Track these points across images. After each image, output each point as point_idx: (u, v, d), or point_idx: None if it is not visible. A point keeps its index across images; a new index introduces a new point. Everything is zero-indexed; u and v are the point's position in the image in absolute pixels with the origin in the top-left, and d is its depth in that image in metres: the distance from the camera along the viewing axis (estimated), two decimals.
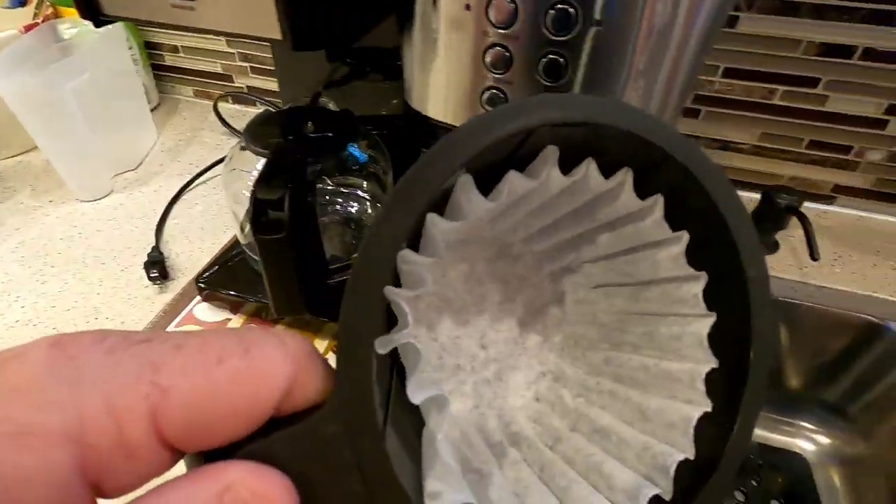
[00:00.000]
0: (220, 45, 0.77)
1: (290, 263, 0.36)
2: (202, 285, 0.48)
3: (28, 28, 0.61)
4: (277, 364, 0.11)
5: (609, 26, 0.22)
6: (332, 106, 0.50)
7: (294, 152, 0.39)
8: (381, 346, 0.11)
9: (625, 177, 0.13)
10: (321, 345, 0.46)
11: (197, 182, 0.65)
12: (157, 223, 0.58)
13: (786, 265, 0.57)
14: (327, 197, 0.51)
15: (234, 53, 0.77)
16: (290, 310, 0.39)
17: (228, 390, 0.10)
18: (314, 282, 0.39)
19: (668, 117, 0.27)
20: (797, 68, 0.57)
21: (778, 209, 0.54)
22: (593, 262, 0.16)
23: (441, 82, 0.28)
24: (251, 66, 0.78)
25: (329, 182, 0.50)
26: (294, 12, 0.27)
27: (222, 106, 0.77)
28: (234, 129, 0.75)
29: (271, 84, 0.78)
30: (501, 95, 0.26)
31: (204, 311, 0.49)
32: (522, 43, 0.24)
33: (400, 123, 0.56)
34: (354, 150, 0.46)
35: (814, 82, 0.57)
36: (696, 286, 0.14)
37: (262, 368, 0.11)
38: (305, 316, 0.44)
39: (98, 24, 0.32)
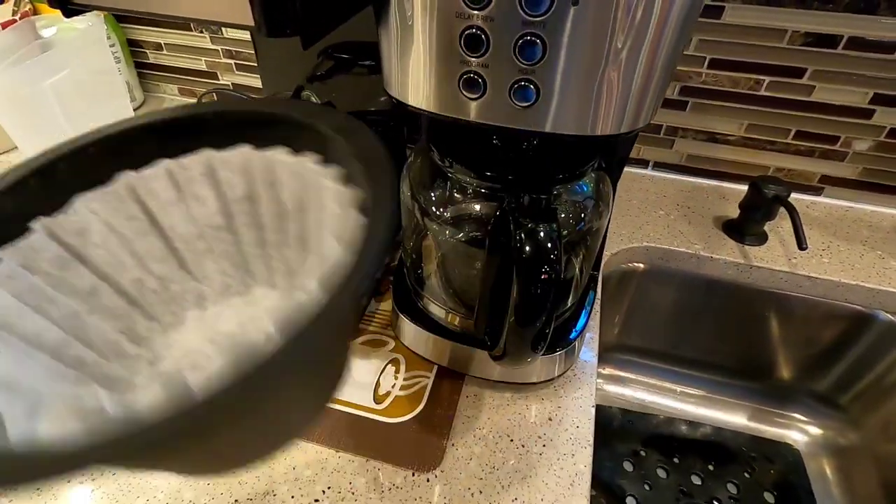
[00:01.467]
0: (205, 42, 0.76)
1: None
2: None
3: (6, 25, 0.60)
4: None
5: (586, 5, 0.22)
6: (314, 99, 0.50)
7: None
8: None
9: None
10: None
11: None
12: None
13: (775, 255, 0.57)
14: None
15: (218, 50, 0.76)
16: None
17: None
18: None
19: (650, 102, 0.26)
20: (783, 58, 0.56)
21: (766, 199, 0.54)
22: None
23: (418, 68, 0.27)
24: (236, 63, 0.77)
25: None
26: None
27: None
28: None
29: (256, 81, 0.78)
30: (479, 79, 0.25)
31: None
32: (498, 24, 0.23)
33: (385, 119, 0.56)
34: None
35: (799, 72, 0.57)
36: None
37: None
38: None
39: (68, 14, 0.31)
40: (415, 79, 0.28)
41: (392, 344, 0.46)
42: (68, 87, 0.58)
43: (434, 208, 0.37)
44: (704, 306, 0.62)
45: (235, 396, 0.13)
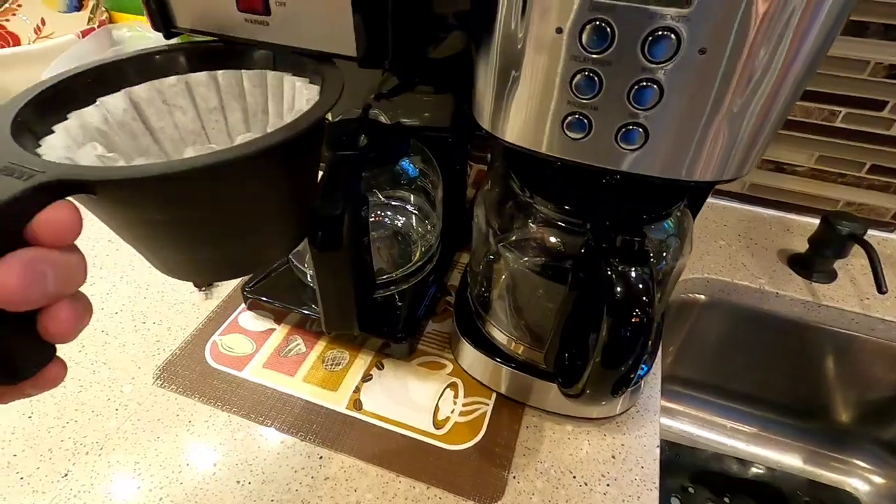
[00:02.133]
0: None
1: (346, 280, 0.35)
2: (247, 294, 0.48)
3: (86, 33, 0.62)
4: None
5: (714, 54, 0.21)
6: (382, 118, 0.50)
7: (350, 167, 0.38)
8: None
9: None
10: (365, 357, 0.46)
11: None
12: None
13: (845, 295, 0.54)
14: (375, 209, 0.51)
15: None
16: (342, 326, 0.39)
17: None
18: (364, 298, 0.39)
19: (758, 150, 0.25)
20: (862, 90, 0.54)
21: (839, 236, 0.52)
22: None
23: (519, 105, 0.27)
24: None
25: (379, 195, 0.49)
26: (372, 31, 0.27)
27: None
28: None
29: None
30: (584, 121, 0.25)
31: (248, 320, 0.49)
32: (614, 68, 0.23)
33: (448, 136, 0.56)
34: (407, 164, 0.46)
35: (880, 105, 0.55)
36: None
37: None
38: (354, 331, 0.43)
39: (168, 37, 0.32)
40: (513, 114, 0.27)
41: (450, 367, 0.45)
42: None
43: (509, 235, 0.37)
44: (762, 341, 0.60)
45: (214, 166, 0.18)
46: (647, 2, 0.21)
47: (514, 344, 0.41)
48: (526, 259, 0.36)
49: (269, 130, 0.24)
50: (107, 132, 0.26)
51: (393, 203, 0.51)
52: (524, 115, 0.27)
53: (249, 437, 0.40)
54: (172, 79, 0.28)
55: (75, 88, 0.25)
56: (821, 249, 0.55)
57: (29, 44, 0.74)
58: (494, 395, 0.43)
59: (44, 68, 0.53)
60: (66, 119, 0.24)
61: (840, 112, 0.56)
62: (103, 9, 0.70)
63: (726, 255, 0.59)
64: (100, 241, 0.57)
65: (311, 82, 0.28)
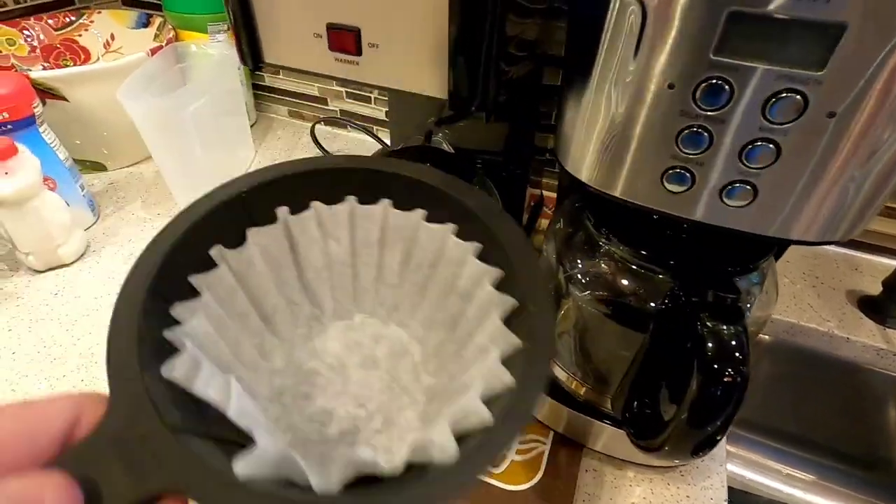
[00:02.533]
0: None
1: None
2: None
3: (154, 51, 0.64)
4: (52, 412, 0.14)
5: (841, 118, 0.20)
6: (445, 146, 0.50)
7: None
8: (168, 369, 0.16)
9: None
10: None
11: None
12: None
13: None
14: None
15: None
16: None
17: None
18: None
19: (870, 213, 0.24)
20: None
21: None
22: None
23: (612, 153, 0.26)
24: (346, 91, 0.80)
25: None
26: (465, 79, 0.27)
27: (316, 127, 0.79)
28: (327, 151, 0.76)
29: (363, 109, 0.80)
30: (688, 174, 0.24)
31: None
32: (728, 126, 0.22)
33: (502, 161, 0.55)
34: None
35: None
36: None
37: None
38: None
39: (256, 70, 0.33)
40: (609, 164, 0.27)
41: None
42: (205, 111, 0.61)
43: (580, 276, 0.36)
44: (826, 385, 0.57)
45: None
46: (775, 62, 0.20)
47: (574, 384, 0.40)
48: (596, 300, 0.36)
49: (427, 293, 0.22)
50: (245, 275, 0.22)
51: None
52: (621, 162, 0.26)
53: None
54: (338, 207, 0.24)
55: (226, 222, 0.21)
56: None
57: (98, 59, 0.77)
58: (552, 433, 0.42)
59: (116, 85, 0.55)
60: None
61: None
62: (170, 26, 0.72)
63: (790, 294, 0.56)
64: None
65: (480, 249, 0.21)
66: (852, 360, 0.53)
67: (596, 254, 0.36)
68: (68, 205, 0.57)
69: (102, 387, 0.15)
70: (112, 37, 0.78)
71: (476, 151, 0.57)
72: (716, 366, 0.26)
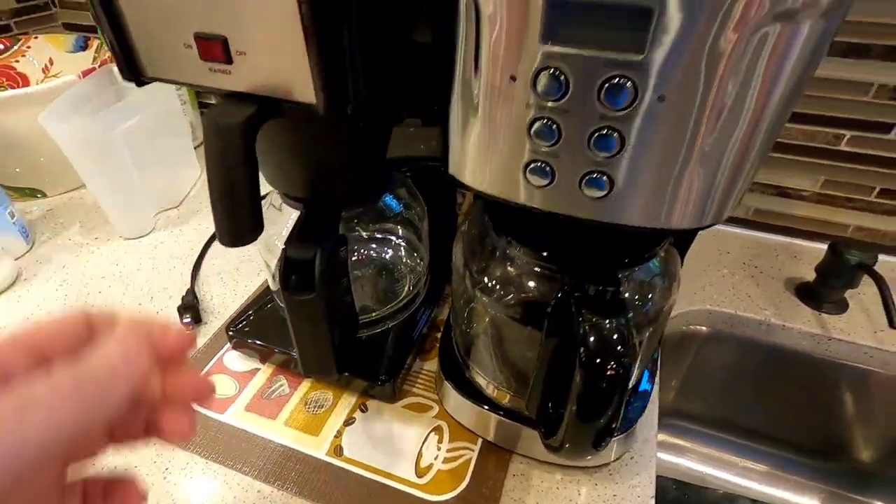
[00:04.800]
0: None
1: (321, 324, 0.34)
2: (231, 333, 0.47)
3: (86, 73, 0.64)
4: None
5: (674, 101, 0.20)
6: None
7: (327, 206, 0.38)
8: None
9: None
10: (349, 399, 0.44)
11: None
12: (193, 264, 0.58)
13: (857, 327, 0.51)
14: (359, 245, 0.50)
15: None
16: (320, 369, 0.38)
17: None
18: (344, 340, 0.38)
19: (736, 194, 0.24)
20: (866, 113, 0.52)
21: (847, 266, 0.49)
22: None
23: (480, 152, 0.26)
24: None
25: (362, 231, 0.49)
26: (330, 78, 0.26)
27: None
28: None
29: None
30: (547, 168, 0.24)
31: (233, 360, 0.48)
32: (572, 115, 0.22)
33: (435, 165, 0.55)
34: (390, 200, 0.45)
35: (886, 128, 0.52)
36: None
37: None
38: (333, 375, 0.42)
39: (140, 85, 0.33)
40: (474, 161, 0.26)
41: (436, 409, 0.44)
42: (138, 130, 0.60)
43: (486, 280, 0.36)
44: (771, 374, 0.57)
45: None
46: (599, 49, 0.20)
47: (497, 392, 0.40)
48: (503, 304, 0.35)
49: None
50: None
51: (377, 235, 0.50)
52: (489, 161, 0.26)
53: (226, 486, 0.39)
54: None
55: None
56: (829, 279, 0.52)
57: (37, 84, 0.76)
58: (480, 440, 0.41)
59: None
60: None
61: (845, 135, 0.54)
62: (106, 48, 0.72)
63: (729, 285, 0.56)
64: (94, 279, 0.57)
65: None
66: (791, 348, 0.53)
67: (499, 257, 0.35)
68: None
69: None
70: (51, 61, 0.77)
71: (412, 158, 0.56)
72: (597, 360, 0.25)
